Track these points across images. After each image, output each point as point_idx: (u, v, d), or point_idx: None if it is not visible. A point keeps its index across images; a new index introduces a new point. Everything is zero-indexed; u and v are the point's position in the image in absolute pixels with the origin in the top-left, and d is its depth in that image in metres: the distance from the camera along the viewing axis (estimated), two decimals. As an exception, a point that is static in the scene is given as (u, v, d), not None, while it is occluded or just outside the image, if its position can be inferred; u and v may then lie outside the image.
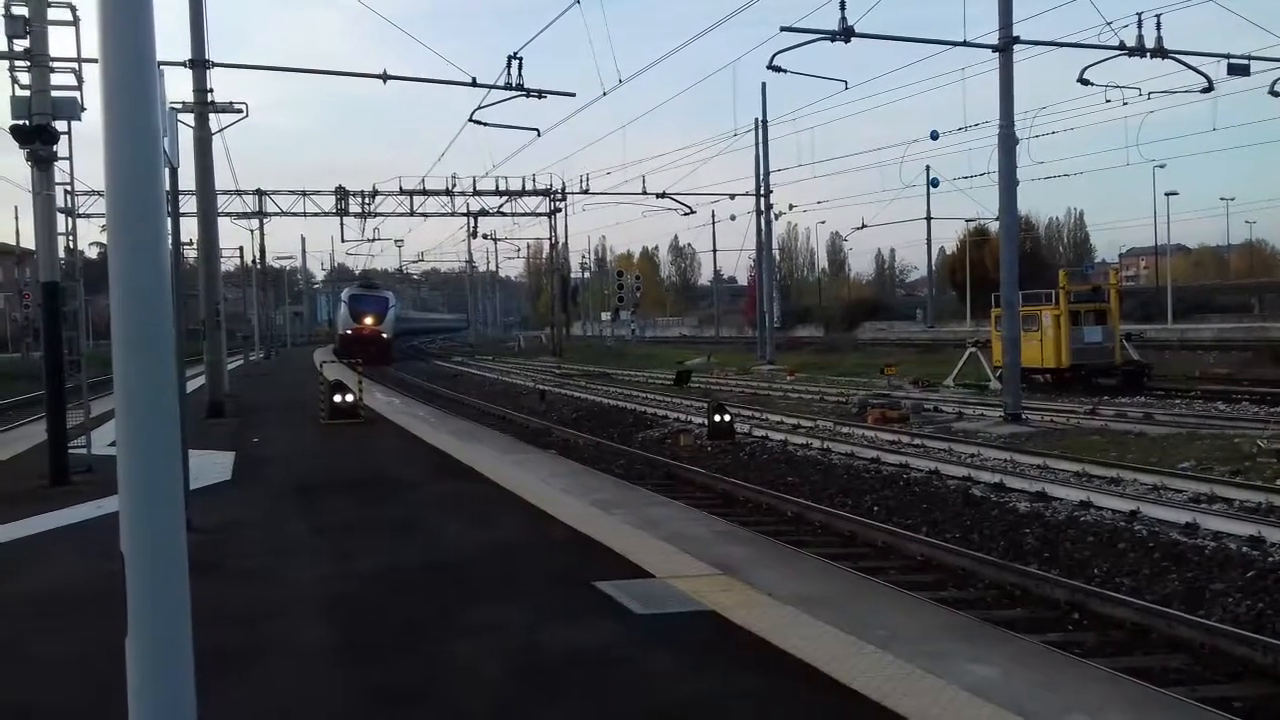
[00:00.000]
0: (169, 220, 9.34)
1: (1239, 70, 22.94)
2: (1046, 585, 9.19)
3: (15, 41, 11.95)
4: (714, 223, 73.70)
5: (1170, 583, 9.40)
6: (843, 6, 20.31)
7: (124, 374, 2.64)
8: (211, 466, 12.87)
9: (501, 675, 5.24)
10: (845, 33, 20.33)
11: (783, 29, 20.94)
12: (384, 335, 61.62)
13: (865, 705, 4.68)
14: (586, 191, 52.67)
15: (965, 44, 21.95)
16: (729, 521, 10.40)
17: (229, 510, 10.12)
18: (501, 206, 53.24)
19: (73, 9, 12.29)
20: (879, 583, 8.04)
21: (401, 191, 49.90)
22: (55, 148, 12.13)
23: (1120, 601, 8.57)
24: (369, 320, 61.36)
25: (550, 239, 60.84)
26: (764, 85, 46.68)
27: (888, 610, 6.33)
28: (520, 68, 22.08)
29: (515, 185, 51.49)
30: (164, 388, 2.67)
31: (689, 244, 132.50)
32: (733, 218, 65.02)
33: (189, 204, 25.64)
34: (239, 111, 21.56)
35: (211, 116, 21.17)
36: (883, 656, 5.32)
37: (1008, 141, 22.11)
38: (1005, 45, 21.52)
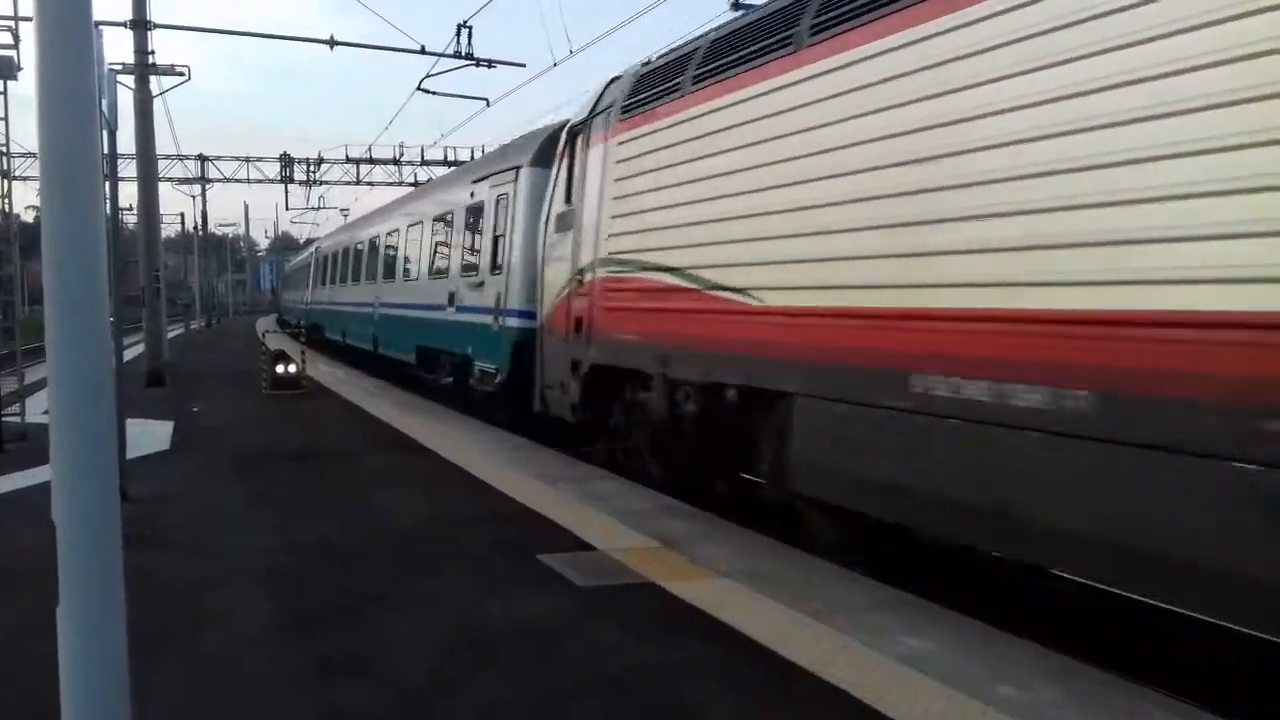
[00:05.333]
0: (107, 184, 9.17)
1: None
2: (999, 566, 9.34)
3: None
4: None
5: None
6: (795, -16, 20.35)
7: (57, 340, 2.59)
8: (149, 435, 12.68)
9: (444, 647, 5.24)
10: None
11: (732, 4, 20.88)
12: None
13: (802, 675, 4.76)
14: (537, 163, 52.35)
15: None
16: (674, 496, 10.44)
17: (166, 480, 9.98)
18: (450, 176, 52.79)
19: (8, -36, 11.96)
20: (819, 558, 8.13)
21: (348, 160, 49.31)
22: (-12, 107, 11.82)
23: (1057, 577, 8.74)
24: None
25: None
26: (715, 61, 46.53)
27: (827, 584, 6.42)
28: (470, 36, 21.89)
29: (464, 155, 50.84)
30: (98, 354, 2.63)
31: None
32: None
33: (129, 168, 25.07)
34: (181, 74, 21.16)
35: (153, 79, 20.72)
36: (820, 629, 5.40)
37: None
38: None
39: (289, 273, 59.64)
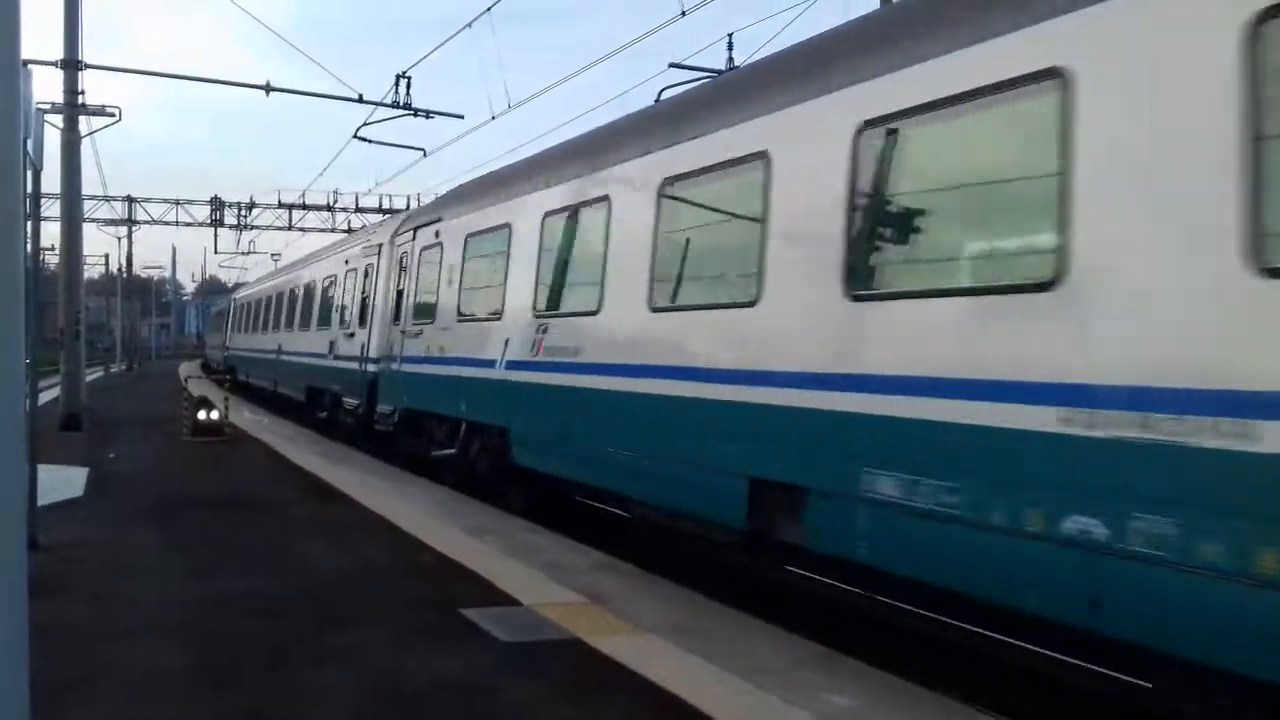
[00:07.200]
0: (28, 224, 8.96)
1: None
2: (908, 617, 9.42)
3: None
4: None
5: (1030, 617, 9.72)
6: (730, 47, 20.84)
7: (-33, 382, 2.52)
8: (62, 482, 12.30)
9: (363, 703, 5.13)
10: (731, 71, 20.76)
11: (671, 65, 21.29)
12: None
13: (726, 735, 4.74)
14: (472, 214, 52.28)
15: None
16: (605, 552, 10.38)
17: (79, 528, 9.68)
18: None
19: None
20: (746, 614, 8.13)
21: (280, 205, 48.94)
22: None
23: (973, 633, 8.84)
24: None
25: (433, 261, 59.91)
26: (652, 118, 47.03)
27: (751, 639, 6.41)
28: (409, 87, 21.98)
29: (400, 204, 50.79)
30: (10, 397, 2.57)
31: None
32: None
33: (53, 208, 24.56)
34: (111, 115, 20.84)
35: (82, 119, 20.40)
36: (745, 686, 5.39)
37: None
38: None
39: (240, 303, 43.73)
